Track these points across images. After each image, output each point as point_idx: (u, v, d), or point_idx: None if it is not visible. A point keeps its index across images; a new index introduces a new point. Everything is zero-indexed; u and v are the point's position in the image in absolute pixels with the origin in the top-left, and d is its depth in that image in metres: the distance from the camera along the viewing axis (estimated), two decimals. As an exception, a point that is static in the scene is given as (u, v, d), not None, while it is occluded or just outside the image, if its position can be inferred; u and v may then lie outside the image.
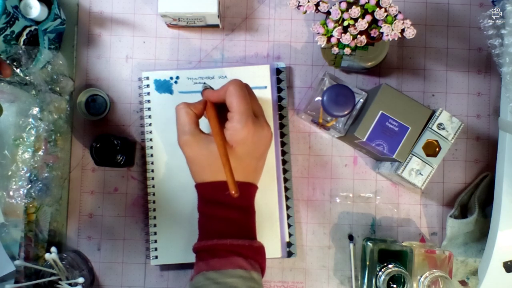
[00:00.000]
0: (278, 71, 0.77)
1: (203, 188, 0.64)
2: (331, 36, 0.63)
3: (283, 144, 0.76)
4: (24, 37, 0.68)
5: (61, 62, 0.73)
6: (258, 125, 0.63)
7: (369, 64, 0.72)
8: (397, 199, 0.77)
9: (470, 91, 0.78)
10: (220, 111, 0.65)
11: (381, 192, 0.77)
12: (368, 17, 0.62)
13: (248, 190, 0.64)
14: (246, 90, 0.64)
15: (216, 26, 0.77)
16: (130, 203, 0.77)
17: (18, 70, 0.68)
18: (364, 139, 0.67)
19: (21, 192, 0.70)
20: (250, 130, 0.61)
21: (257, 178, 0.66)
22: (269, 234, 0.72)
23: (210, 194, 0.63)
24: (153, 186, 0.75)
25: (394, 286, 0.69)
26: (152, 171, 0.75)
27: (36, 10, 0.68)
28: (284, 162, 0.76)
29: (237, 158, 0.61)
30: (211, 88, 0.68)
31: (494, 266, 0.69)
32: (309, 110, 0.72)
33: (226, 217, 0.62)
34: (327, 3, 0.64)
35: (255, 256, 0.62)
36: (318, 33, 0.64)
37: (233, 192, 0.58)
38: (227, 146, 0.61)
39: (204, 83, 0.71)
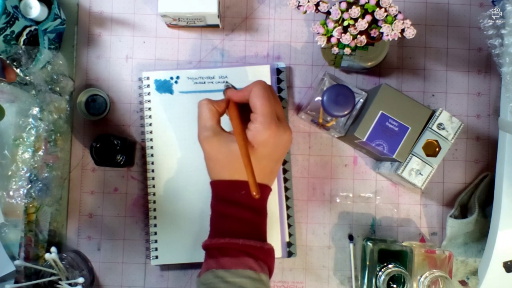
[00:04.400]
0: (278, 71, 0.77)
1: (218, 186, 0.64)
2: (331, 36, 0.63)
3: (283, 144, 0.76)
4: (24, 37, 0.68)
5: (61, 62, 0.73)
6: (281, 127, 0.63)
7: (369, 64, 0.72)
8: (397, 199, 0.77)
9: (470, 91, 0.78)
10: (241, 110, 0.65)
11: (381, 192, 0.77)
12: (368, 17, 0.62)
13: (263, 191, 0.64)
14: (270, 92, 0.64)
15: (216, 26, 0.77)
16: (130, 203, 0.77)
17: (18, 70, 0.68)
18: (364, 139, 0.67)
19: (21, 192, 0.70)
20: (272, 132, 0.61)
21: (272, 181, 0.66)
22: (269, 234, 0.72)
23: (225, 193, 0.63)
24: (153, 186, 0.75)
25: (394, 286, 0.69)
26: (152, 171, 0.75)
27: (36, 10, 0.68)
28: (284, 162, 0.76)
29: (256, 159, 0.61)
30: (233, 87, 0.68)
31: (494, 266, 0.69)
32: (309, 110, 0.72)
33: (239, 217, 0.62)
34: (327, 3, 0.64)
35: (265, 258, 0.62)
36: (318, 33, 0.64)
37: (255, 193, 0.58)
38: (248, 146, 0.61)
39: (226, 82, 0.70)
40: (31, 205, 0.72)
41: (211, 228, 0.65)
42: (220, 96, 0.77)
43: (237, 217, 0.62)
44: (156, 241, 0.74)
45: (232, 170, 0.62)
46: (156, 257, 0.74)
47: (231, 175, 0.63)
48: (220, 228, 0.63)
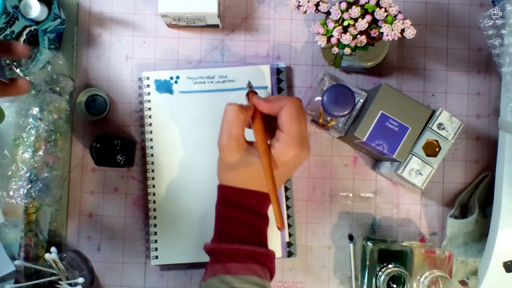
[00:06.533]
0: (278, 71, 0.77)
1: (228, 191, 0.63)
2: (331, 36, 0.63)
3: (283, 144, 0.76)
4: (24, 37, 0.68)
5: (61, 62, 0.73)
6: (304, 149, 0.62)
7: (369, 64, 0.72)
8: (397, 199, 0.77)
9: (470, 91, 0.78)
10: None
11: (381, 192, 0.77)
12: (368, 17, 0.62)
13: (268, 200, 0.64)
14: (302, 111, 0.62)
15: (216, 26, 0.77)
16: (130, 203, 0.77)
17: (18, 70, 0.68)
18: (364, 139, 0.67)
19: (21, 192, 0.70)
20: (296, 153, 0.61)
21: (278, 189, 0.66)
22: (269, 234, 0.72)
23: (234, 198, 0.63)
24: (153, 186, 0.75)
25: (394, 286, 0.69)
26: (152, 171, 0.75)
27: (36, 10, 0.68)
28: (284, 162, 0.76)
29: (275, 176, 0.61)
30: (255, 92, 0.67)
31: (494, 266, 0.69)
32: (309, 110, 0.72)
33: (248, 222, 0.62)
34: (327, 3, 0.64)
35: (269, 265, 0.62)
36: (318, 33, 0.64)
37: (280, 226, 0.58)
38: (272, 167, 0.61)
39: (249, 82, 0.69)
40: (31, 205, 0.72)
41: (216, 232, 0.64)
42: (222, 96, 0.77)
43: (245, 222, 0.62)
44: (156, 241, 0.74)
45: (246, 180, 0.62)
46: (156, 257, 0.74)
47: (244, 184, 0.62)
48: (228, 232, 0.63)
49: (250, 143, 0.63)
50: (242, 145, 0.61)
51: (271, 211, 0.65)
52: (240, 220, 0.62)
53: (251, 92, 0.67)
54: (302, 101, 0.63)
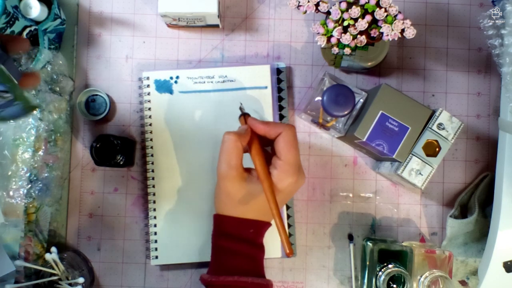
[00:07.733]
0: (278, 71, 0.77)
1: (227, 222, 0.63)
2: (331, 36, 0.63)
3: (283, 144, 0.76)
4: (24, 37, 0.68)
5: (61, 62, 0.73)
6: (300, 176, 0.63)
7: (369, 64, 0.72)
8: (397, 199, 0.77)
9: (470, 91, 0.78)
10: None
11: (381, 192, 0.77)
12: (368, 17, 0.62)
13: (264, 228, 0.64)
14: (297, 139, 0.63)
15: (216, 26, 0.77)
16: (130, 203, 0.77)
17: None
18: (364, 139, 0.67)
19: (21, 192, 0.70)
20: (293, 181, 0.62)
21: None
22: (270, 234, 0.72)
23: (233, 229, 0.63)
24: (153, 186, 0.75)
25: (394, 286, 0.69)
26: (152, 171, 0.75)
27: (36, 10, 0.68)
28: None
29: None
30: (247, 113, 0.67)
31: (494, 266, 0.69)
32: (309, 110, 0.72)
33: (246, 254, 0.62)
34: (327, 3, 0.64)
35: None
36: (318, 33, 0.64)
37: (288, 252, 0.58)
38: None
39: (241, 103, 0.69)
40: (31, 205, 0.72)
41: (213, 264, 0.64)
42: (222, 95, 0.77)
43: (244, 254, 0.62)
44: (156, 241, 0.74)
45: (245, 210, 0.62)
46: (156, 257, 0.74)
47: (243, 214, 0.62)
48: (226, 264, 0.62)
49: (247, 170, 0.63)
50: (241, 174, 0.62)
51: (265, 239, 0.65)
52: (238, 252, 0.62)
53: (244, 114, 0.66)
54: (295, 129, 0.64)
